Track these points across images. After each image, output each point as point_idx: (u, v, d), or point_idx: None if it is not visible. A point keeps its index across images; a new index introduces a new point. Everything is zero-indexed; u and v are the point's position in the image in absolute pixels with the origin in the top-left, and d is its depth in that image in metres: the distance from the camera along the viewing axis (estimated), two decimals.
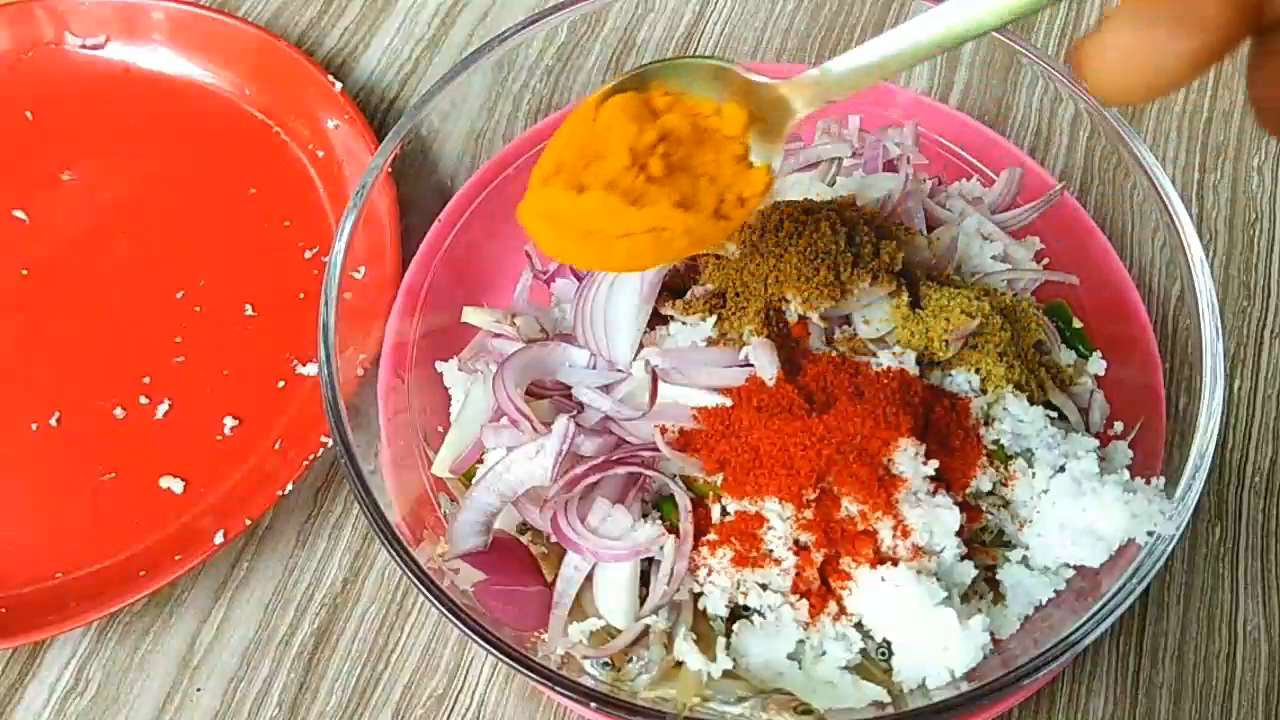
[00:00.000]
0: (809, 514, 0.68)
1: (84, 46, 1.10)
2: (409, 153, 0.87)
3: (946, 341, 0.74)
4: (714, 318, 0.76)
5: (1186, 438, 0.71)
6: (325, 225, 1.00)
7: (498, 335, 0.85)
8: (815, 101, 0.60)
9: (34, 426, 0.91)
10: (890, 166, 0.91)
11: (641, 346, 0.77)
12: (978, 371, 0.74)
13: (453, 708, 0.80)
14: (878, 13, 1.09)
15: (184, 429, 0.90)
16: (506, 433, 0.75)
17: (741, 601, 0.70)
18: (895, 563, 0.68)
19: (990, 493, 0.73)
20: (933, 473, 0.69)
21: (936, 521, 0.68)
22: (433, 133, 0.91)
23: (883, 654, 0.69)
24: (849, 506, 0.69)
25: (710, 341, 0.75)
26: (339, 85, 1.03)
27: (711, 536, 0.70)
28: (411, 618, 0.83)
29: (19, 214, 1.02)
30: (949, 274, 0.82)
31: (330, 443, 0.84)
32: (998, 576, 0.72)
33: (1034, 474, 0.72)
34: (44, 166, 1.04)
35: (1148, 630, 0.82)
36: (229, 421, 0.90)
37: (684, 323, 0.78)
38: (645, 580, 0.72)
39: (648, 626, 0.70)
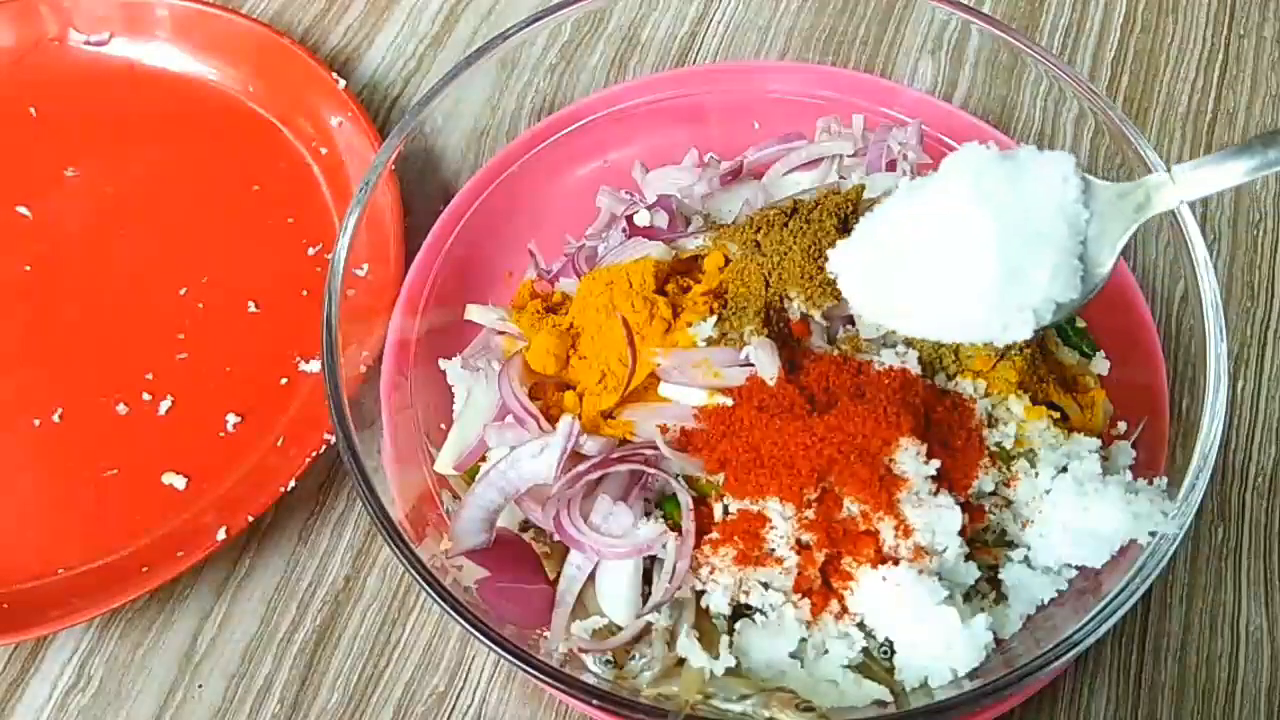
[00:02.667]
0: (810, 514, 0.68)
1: (88, 43, 1.10)
2: (412, 150, 0.87)
3: (974, 370, 0.74)
4: (714, 318, 0.76)
5: (1189, 438, 0.71)
6: (328, 222, 1.00)
7: (501, 333, 0.85)
8: (1154, 205, 0.65)
9: (36, 422, 0.91)
10: (893, 166, 0.91)
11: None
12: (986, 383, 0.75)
13: (454, 705, 0.80)
14: (881, 12, 1.09)
15: (186, 425, 0.90)
16: (510, 432, 0.76)
17: (744, 600, 0.70)
18: (896, 562, 0.68)
19: (993, 493, 0.72)
20: (934, 472, 0.69)
21: (938, 521, 0.68)
22: (436, 130, 0.91)
23: (885, 653, 0.69)
24: (850, 506, 0.69)
25: (710, 341, 0.75)
26: (343, 82, 1.03)
27: (714, 535, 0.70)
28: (413, 615, 0.83)
29: (22, 210, 1.02)
30: None
31: (333, 440, 0.84)
32: (1000, 576, 0.72)
33: (1036, 474, 0.72)
34: (47, 163, 1.04)
35: (1150, 630, 0.82)
36: (231, 418, 0.90)
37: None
38: (648, 578, 0.72)
39: (650, 624, 0.70)
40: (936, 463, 0.69)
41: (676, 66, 1.09)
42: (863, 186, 0.83)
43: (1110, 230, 0.65)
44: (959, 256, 0.63)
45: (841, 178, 0.91)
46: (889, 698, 0.67)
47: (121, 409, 0.91)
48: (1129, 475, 0.73)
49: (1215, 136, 1.04)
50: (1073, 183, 0.64)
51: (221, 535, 0.80)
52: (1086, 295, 0.65)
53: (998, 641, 0.69)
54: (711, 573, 0.69)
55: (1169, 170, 0.65)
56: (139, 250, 0.99)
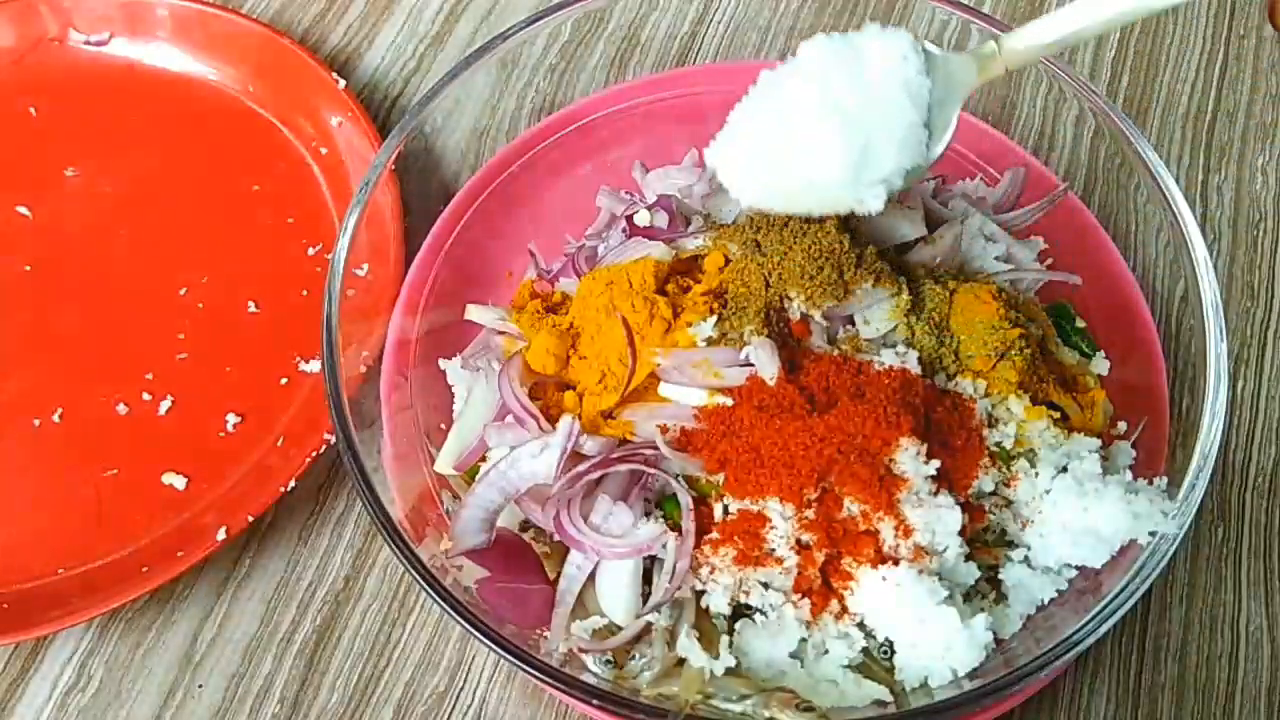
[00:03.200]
0: (810, 514, 0.68)
1: (88, 43, 1.10)
2: (412, 150, 0.87)
3: (974, 370, 0.74)
4: (714, 318, 0.76)
5: (1189, 438, 0.71)
6: (328, 222, 1.01)
7: (501, 333, 0.85)
8: (988, 72, 0.69)
9: (36, 422, 0.91)
10: None
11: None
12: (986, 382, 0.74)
13: (454, 705, 0.80)
14: (880, 12, 1.09)
15: (187, 425, 0.90)
16: (510, 432, 0.75)
17: (744, 600, 0.70)
18: (896, 562, 0.68)
19: (993, 493, 0.72)
20: (934, 472, 0.69)
21: (938, 521, 0.68)
22: (436, 130, 0.91)
23: (885, 653, 0.69)
24: (850, 506, 0.69)
25: (710, 341, 0.75)
26: (343, 82, 1.03)
27: (714, 535, 0.70)
28: (413, 615, 0.83)
29: (22, 210, 1.02)
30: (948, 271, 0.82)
31: (333, 439, 0.84)
32: (1000, 576, 0.72)
33: (1036, 474, 0.72)
34: (47, 163, 1.04)
35: (1150, 630, 0.82)
36: (231, 418, 0.90)
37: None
38: (648, 578, 0.72)
39: (650, 624, 0.70)
40: (936, 463, 0.69)
41: (676, 66, 1.10)
42: None
43: (952, 95, 0.69)
44: (811, 141, 0.67)
45: None
46: (889, 698, 0.67)
47: (121, 409, 0.91)
48: (1129, 475, 0.73)
49: (1215, 136, 1.04)
50: (912, 59, 0.67)
51: (221, 535, 0.80)
52: (932, 160, 0.69)
53: (998, 641, 0.69)
54: (711, 573, 0.69)
55: (997, 40, 0.69)
56: (139, 250, 0.99)
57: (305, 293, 0.96)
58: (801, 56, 0.69)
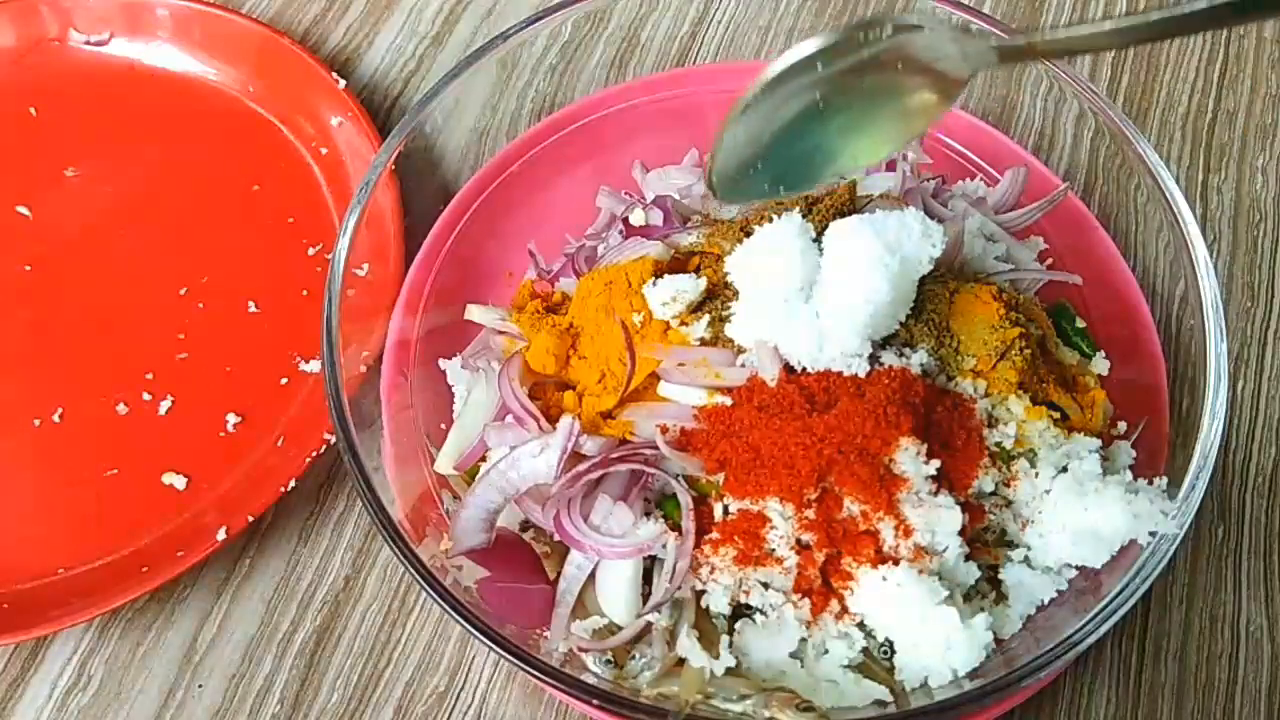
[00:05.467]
0: (810, 514, 0.68)
1: (88, 43, 1.11)
2: (412, 150, 0.87)
3: (974, 370, 0.74)
4: (706, 317, 0.76)
5: (1189, 438, 0.71)
6: (329, 222, 1.01)
7: (501, 333, 0.85)
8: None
9: (37, 422, 0.91)
10: (893, 165, 0.91)
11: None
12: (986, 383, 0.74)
13: (454, 705, 0.80)
14: (883, 10, 1.09)
15: (187, 425, 0.90)
16: (510, 432, 0.75)
17: (744, 600, 0.70)
18: (896, 562, 0.68)
19: (993, 493, 0.72)
20: (934, 472, 0.69)
21: (938, 521, 0.68)
22: (436, 130, 0.91)
23: (885, 653, 0.69)
24: (850, 506, 0.69)
25: (704, 341, 0.75)
26: (343, 82, 1.03)
27: (714, 535, 0.70)
28: (414, 615, 0.83)
29: (22, 210, 1.02)
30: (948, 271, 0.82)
31: (333, 439, 0.84)
32: (1000, 576, 0.72)
33: (1036, 474, 0.72)
34: (47, 163, 1.04)
35: (1150, 630, 0.82)
36: (231, 418, 0.90)
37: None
38: (648, 578, 0.72)
39: (650, 624, 0.70)
40: (936, 463, 0.69)
41: (676, 66, 1.10)
42: (854, 183, 0.83)
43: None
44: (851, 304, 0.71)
45: (841, 177, 0.91)
46: (889, 698, 0.67)
47: (122, 409, 0.91)
48: (1129, 475, 0.73)
49: (1215, 136, 1.04)
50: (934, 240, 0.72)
51: (221, 535, 0.81)
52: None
53: (998, 641, 0.69)
54: (711, 573, 0.69)
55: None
56: (139, 250, 0.99)
57: (305, 293, 0.96)
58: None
